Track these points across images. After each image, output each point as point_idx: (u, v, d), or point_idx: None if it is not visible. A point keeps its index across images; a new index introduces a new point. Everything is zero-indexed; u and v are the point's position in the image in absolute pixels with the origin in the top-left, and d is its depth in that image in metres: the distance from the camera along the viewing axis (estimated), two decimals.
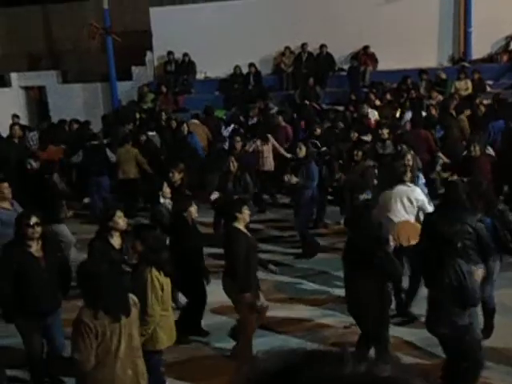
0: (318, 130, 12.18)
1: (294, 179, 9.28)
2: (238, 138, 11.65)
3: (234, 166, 9.62)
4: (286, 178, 9.42)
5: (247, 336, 6.34)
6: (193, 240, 6.97)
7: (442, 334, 5.48)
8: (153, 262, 5.32)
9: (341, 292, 6.91)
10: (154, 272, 5.30)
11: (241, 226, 6.36)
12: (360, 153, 9.55)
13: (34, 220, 5.78)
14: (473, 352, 5.48)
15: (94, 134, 13.53)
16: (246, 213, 6.38)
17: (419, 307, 6.80)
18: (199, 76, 19.18)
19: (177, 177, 8.79)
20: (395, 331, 6.68)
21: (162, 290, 5.31)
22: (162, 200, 7.72)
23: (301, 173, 9.37)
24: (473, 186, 6.88)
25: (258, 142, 12.07)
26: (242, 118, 15.32)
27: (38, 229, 5.81)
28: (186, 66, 18.91)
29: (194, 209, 7.01)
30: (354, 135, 11.50)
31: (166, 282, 5.42)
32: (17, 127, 13.77)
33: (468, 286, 5.24)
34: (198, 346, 7.01)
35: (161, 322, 5.27)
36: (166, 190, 7.77)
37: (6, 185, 7.56)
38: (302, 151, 9.69)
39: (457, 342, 5.43)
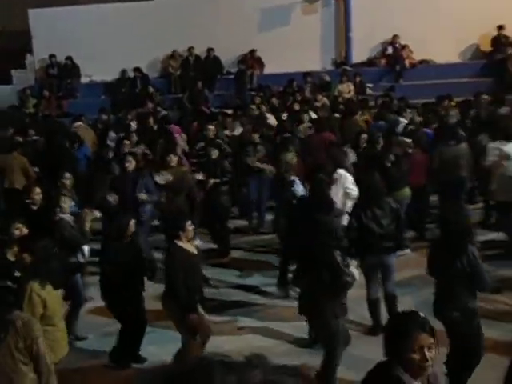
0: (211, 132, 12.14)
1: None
2: None
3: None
4: None
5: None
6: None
7: (451, 317, 5.41)
8: (41, 275, 5.16)
9: None
10: (35, 287, 5.14)
11: (183, 243, 6.14)
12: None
13: None
14: (478, 338, 5.49)
15: None
16: (189, 229, 6.15)
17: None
18: (84, 80, 18.64)
19: None
20: None
21: (45, 306, 5.15)
22: (61, 215, 7.22)
23: None
24: None
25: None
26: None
27: None
28: (70, 69, 18.32)
29: (132, 223, 6.66)
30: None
31: (51, 297, 5.26)
32: None
33: (480, 270, 5.38)
34: None
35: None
36: (65, 204, 7.35)
37: None
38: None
39: (465, 327, 5.42)
